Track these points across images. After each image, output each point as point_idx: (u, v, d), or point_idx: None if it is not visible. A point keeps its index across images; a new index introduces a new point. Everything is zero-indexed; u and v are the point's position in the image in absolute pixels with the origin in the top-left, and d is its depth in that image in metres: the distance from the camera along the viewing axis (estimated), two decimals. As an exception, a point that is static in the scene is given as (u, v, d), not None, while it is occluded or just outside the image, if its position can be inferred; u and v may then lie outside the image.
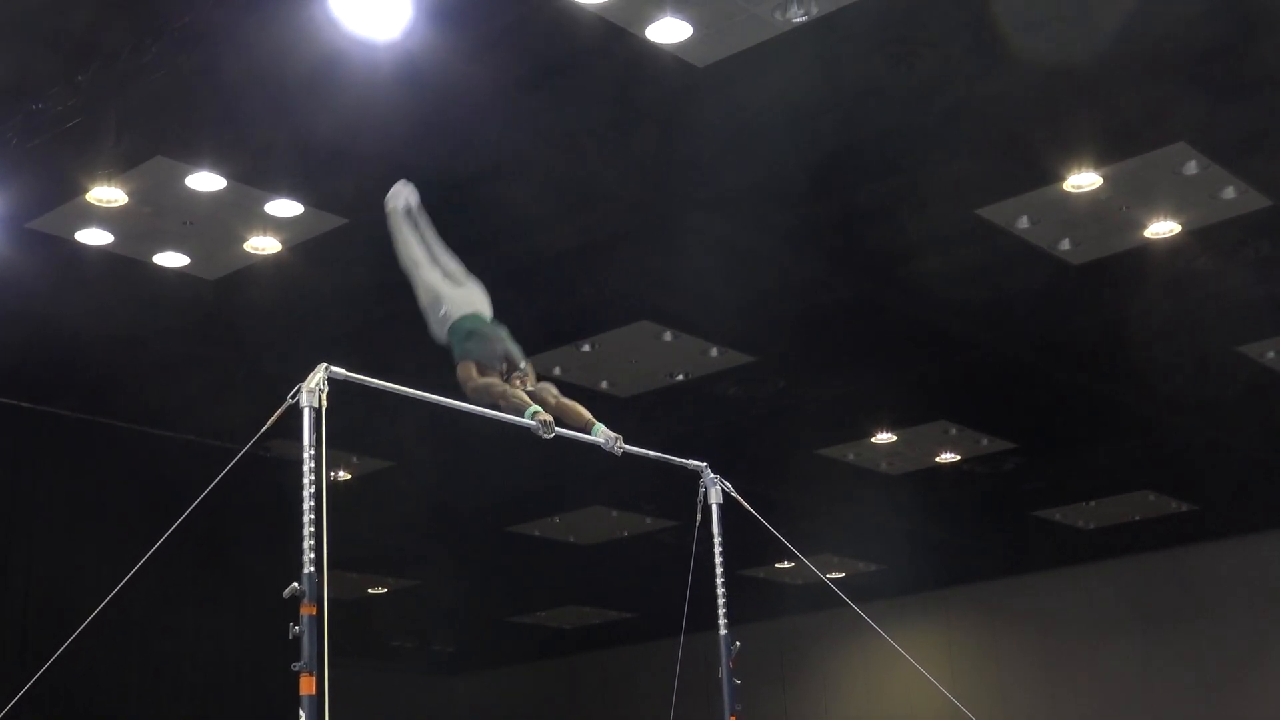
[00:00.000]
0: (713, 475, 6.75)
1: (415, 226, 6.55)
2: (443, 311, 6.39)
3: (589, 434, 6.13)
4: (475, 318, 6.38)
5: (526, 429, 5.88)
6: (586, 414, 6.20)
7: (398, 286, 10.03)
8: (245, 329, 10.52)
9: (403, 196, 6.53)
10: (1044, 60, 7.50)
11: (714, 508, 6.68)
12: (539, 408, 5.93)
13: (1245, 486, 14.87)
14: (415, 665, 21.65)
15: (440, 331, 6.42)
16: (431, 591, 18.17)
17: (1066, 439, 13.74)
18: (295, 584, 4.77)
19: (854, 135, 8.32)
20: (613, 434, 6.11)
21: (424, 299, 6.47)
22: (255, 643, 11.92)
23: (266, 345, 10.61)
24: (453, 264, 6.56)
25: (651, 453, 6.62)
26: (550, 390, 6.26)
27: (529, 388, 6.15)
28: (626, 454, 6.22)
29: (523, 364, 6.21)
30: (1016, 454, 14.03)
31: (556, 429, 5.90)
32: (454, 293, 6.46)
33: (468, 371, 6.16)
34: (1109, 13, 7.22)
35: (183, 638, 11.92)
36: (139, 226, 8.85)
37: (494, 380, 6.09)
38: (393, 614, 19.04)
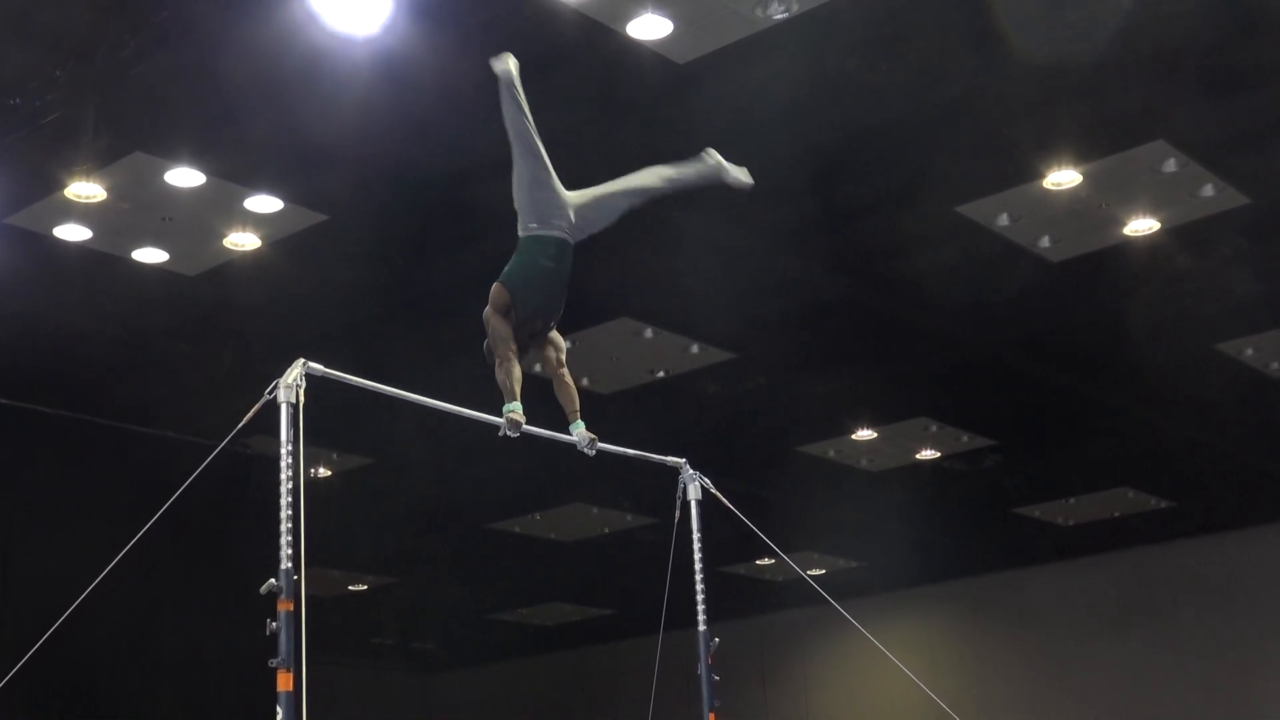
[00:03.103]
0: (691, 472, 6.74)
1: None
2: (534, 208, 5.78)
3: (569, 426, 6.02)
4: (553, 247, 5.78)
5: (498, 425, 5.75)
6: (575, 405, 6.00)
7: (378, 283, 10.12)
8: (226, 325, 10.49)
9: (509, 60, 5.81)
10: (1024, 59, 7.52)
11: (693, 504, 6.68)
12: (518, 406, 5.71)
13: (1224, 483, 14.93)
14: (396, 662, 21.60)
15: (521, 208, 5.82)
16: (412, 589, 18.12)
17: (1046, 436, 13.78)
18: (272, 580, 4.76)
19: (834, 133, 8.33)
20: (588, 434, 5.98)
21: (524, 176, 5.80)
22: (239, 639, 11.86)
23: (247, 341, 10.57)
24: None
25: (629, 450, 6.59)
26: (561, 357, 6.03)
27: (558, 369, 5.94)
28: (606, 451, 6.18)
29: (557, 338, 5.95)
30: (996, 451, 14.07)
31: (525, 428, 5.74)
32: (555, 197, 5.80)
33: (496, 303, 5.76)
34: (1089, 12, 7.23)
35: (166, 634, 11.87)
36: (118, 222, 8.81)
37: (509, 340, 5.73)
38: (373, 611, 19.00)
